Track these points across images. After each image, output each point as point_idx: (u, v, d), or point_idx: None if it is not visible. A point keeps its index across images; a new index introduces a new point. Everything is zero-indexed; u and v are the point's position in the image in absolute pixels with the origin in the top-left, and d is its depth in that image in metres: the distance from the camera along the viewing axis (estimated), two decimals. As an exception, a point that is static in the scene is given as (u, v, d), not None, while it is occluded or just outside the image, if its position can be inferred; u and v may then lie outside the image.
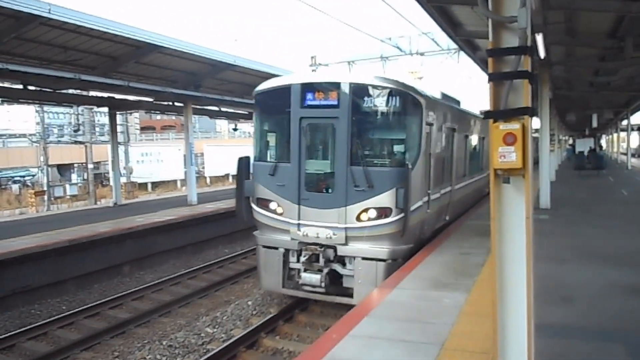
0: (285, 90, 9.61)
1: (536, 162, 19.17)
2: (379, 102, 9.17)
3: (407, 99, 9.31)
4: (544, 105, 17.47)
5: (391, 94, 9.13)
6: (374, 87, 9.21)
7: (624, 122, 41.42)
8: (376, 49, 24.74)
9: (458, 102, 14.23)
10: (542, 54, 13.23)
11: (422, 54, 24.22)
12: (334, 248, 9.27)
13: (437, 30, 17.90)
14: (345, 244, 9.18)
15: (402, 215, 8.85)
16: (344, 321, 6.33)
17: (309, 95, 9.41)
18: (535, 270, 4.38)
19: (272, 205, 9.80)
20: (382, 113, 9.29)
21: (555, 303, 6.97)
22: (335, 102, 9.24)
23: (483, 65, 17.96)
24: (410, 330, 6.00)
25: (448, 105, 12.28)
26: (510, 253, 4.29)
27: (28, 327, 10.10)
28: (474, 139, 16.42)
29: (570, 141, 59.70)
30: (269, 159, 10.17)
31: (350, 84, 9.21)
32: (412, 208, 9.14)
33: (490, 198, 4.39)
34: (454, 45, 20.23)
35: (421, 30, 22.43)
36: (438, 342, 5.60)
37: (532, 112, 4.25)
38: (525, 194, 4.24)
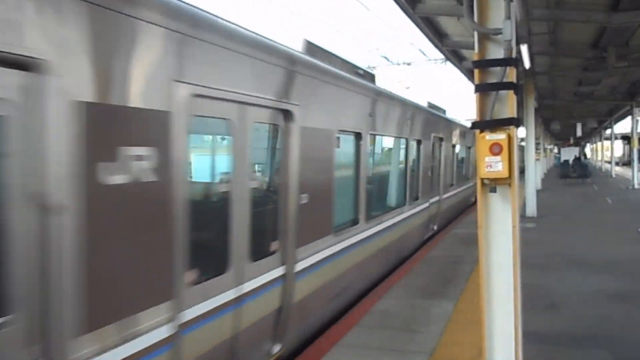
0: None
1: (522, 171, 19.35)
2: None
3: None
4: (529, 115, 17.72)
5: None
6: None
7: (608, 131, 42.04)
8: (363, 59, 24.96)
9: (353, 68, 7.86)
10: (527, 64, 13.44)
11: (409, 64, 24.47)
12: None
13: (424, 41, 18.11)
14: None
15: None
16: (333, 331, 6.32)
17: None
18: (522, 278, 4.42)
19: None
20: None
21: (542, 310, 7.03)
22: None
23: (469, 75, 18.18)
24: (398, 339, 6.01)
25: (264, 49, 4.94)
26: (497, 261, 4.34)
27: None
28: (389, 146, 10.11)
29: (556, 150, 60.49)
30: None
31: None
32: None
33: (477, 208, 4.43)
34: (441, 56, 20.47)
35: (408, 41, 22.70)
36: (427, 351, 5.62)
37: (517, 122, 4.32)
38: (511, 203, 4.30)
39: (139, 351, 3.28)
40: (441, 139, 13.53)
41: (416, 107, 11.24)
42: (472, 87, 4.50)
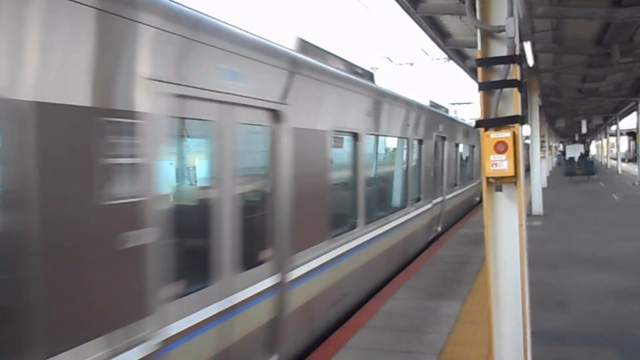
0: None
1: (527, 169, 19.28)
2: None
3: None
4: (533, 113, 17.64)
5: None
6: None
7: (613, 128, 41.84)
8: (366, 59, 25.01)
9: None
10: (530, 61, 13.39)
11: (411, 64, 24.45)
12: None
13: (427, 40, 18.10)
14: None
15: None
16: (340, 333, 6.30)
17: None
18: (530, 277, 4.39)
19: None
20: None
21: (550, 309, 6.98)
22: None
23: (472, 73, 18.14)
24: (406, 340, 5.98)
25: None
26: (504, 260, 4.31)
27: None
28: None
29: (561, 147, 60.27)
30: None
31: None
32: None
33: (482, 207, 4.42)
34: (443, 55, 20.44)
35: (411, 41, 22.70)
36: (435, 352, 5.59)
37: (522, 120, 4.29)
38: (517, 201, 4.26)
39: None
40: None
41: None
42: (475, 85, 4.48)
